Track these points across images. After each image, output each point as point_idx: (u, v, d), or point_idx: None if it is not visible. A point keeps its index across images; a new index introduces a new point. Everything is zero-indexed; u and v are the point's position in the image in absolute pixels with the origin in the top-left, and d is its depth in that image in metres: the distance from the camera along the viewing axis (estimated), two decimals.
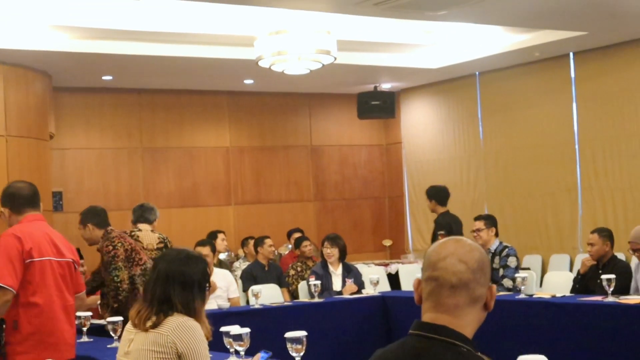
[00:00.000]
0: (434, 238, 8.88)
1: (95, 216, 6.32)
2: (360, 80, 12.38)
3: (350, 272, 8.22)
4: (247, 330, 4.28)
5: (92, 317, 6.32)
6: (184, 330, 3.50)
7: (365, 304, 7.64)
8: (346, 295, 7.86)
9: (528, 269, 9.61)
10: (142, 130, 12.01)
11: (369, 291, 8.03)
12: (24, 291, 4.51)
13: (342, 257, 8.20)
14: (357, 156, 13.77)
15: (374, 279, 7.89)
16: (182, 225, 11.66)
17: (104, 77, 11.05)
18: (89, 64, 10.17)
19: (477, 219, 7.93)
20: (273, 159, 13.01)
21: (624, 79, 10.66)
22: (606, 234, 7.23)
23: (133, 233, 6.90)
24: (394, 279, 10.68)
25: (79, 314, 5.73)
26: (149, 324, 3.53)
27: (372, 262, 11.73)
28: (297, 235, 10.28)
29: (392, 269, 11.21)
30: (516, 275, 7.09)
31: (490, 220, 7.84)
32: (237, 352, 4.34)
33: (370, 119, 12.97)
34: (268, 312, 7.08)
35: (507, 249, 7.65)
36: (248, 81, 11.95)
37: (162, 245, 6.91)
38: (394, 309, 7.68)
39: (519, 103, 11.89)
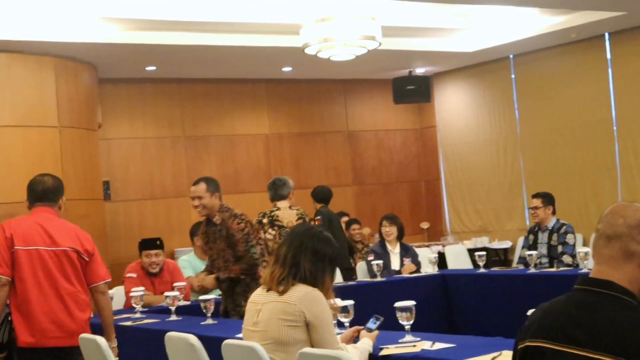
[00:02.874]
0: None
1: (219, 187, 6.09)
2: (395, 66, 12.45)
3: (407, 251, 8.37)
4: (351, 302, 4.42)
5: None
6: (311, 299, 3.65)
7: (427, 282, 7.81)
8: (406, 274, 8.01)
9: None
10: (184, 119, 12.13)
11: (427, 270, 8.17)
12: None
13: (399, 236, 8.36)
14: (393, 140, 13.87)
15: (433, 258, 8.05)
16: None
17: (148, 68, 11.17)
18: (134, 54, 10.30)
19: (534, 196, 8.01)
20: (311, 145, 13.13)
21: None
22: None
23: (273, 213, 7.24)
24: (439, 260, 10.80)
25: (167, 293, 5.91)
26: (281, 287, 3.67)
27: (412, 245, 11.81)
28: (345, 218, 10.37)
29: (434, 250, 11.31)
30: (579, 250, 7.10)
31: (547, 198, 7.91)
32: (340, 324, 4.45)
33: (405, 103, 13.05)
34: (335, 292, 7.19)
35: (565, 227, 7.74)
36: (286, 69, 12.05)
37: (300, 221, 7.21)
38: (454, 286, 7.87)
39: (554, 84, 11.97)
